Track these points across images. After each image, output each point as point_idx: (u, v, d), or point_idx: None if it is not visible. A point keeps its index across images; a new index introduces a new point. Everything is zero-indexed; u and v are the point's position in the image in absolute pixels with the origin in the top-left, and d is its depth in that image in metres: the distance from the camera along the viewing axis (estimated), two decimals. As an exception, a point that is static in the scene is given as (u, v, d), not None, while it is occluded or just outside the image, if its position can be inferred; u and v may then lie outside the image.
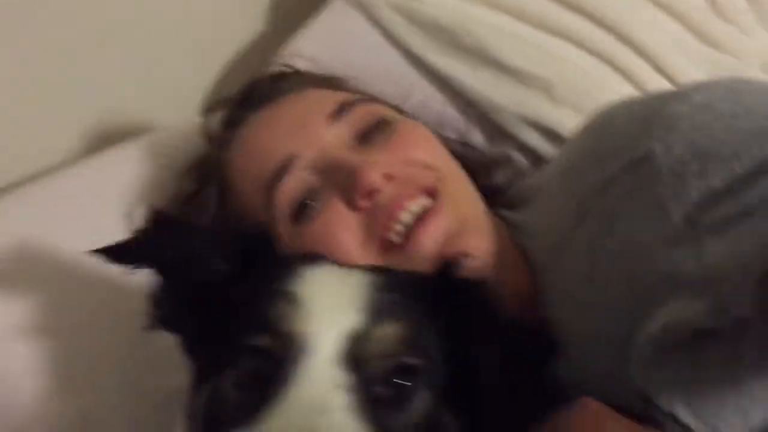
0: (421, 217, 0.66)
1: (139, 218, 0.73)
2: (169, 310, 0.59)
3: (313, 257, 0.58)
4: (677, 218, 0.55)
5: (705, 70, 0.93)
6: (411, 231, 0.66)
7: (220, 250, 0.57)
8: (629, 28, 0.92)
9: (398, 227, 0.67)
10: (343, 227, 0.68)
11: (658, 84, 0.91)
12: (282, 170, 0.70)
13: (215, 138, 0.80)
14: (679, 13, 0.95)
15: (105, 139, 0.96)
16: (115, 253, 0.58)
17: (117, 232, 0.62)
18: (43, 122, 0.89)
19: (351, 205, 0.67)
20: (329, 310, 0.50)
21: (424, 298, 0.53)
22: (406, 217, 0.67)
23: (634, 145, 0.59)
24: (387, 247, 0.67)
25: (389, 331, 0.49)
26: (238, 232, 0.64)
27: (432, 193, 0.68)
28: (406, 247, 0.66)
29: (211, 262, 0.56)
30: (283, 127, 0.73)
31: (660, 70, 0.91)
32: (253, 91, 0.80)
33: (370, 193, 0.67)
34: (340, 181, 0.68)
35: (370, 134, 0.72)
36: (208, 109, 0.84)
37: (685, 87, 0.63)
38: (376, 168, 0.67)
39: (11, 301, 0.72)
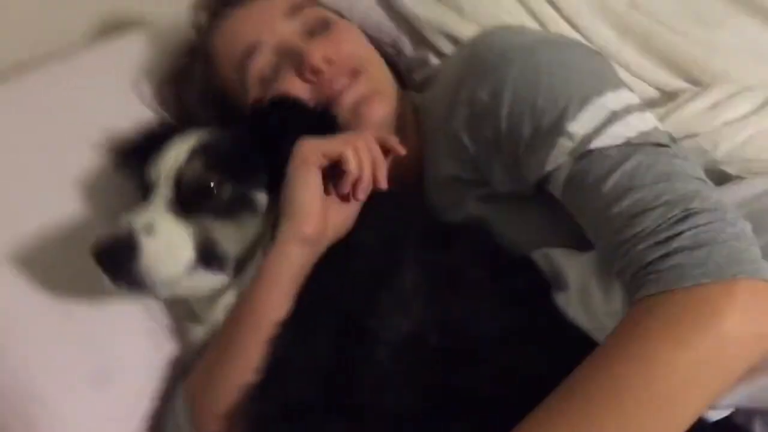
0: (348, 86, 0.94)
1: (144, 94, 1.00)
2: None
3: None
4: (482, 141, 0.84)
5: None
6: (341, 94, 0.94)
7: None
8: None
9: (334, 94, 0.94)
10: (295, 93, 0.94)
11: (541, 7, 1.15)
12: (251, 51, 0.96)
13: (202, 27, 1.05)
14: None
15: (108, 28, 1.19)
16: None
17: (128, 106, 0.95)
18: (52, 8, 1.10)
19: (302, 78, 0.94)
20: (172, 157, 0.84)
21: (247, 133, 0.87)
22: (339, 87, 0.94)
23: (480, 86, 0.83)
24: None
25: (194, 163, 0.83)
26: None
27: (357, 72, 0.95)
28: (337, 108, 0.93)
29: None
30: (252, 20, 0.98)
31: (547, -3, 1.16)
32: None
33: (315, 71, 0.93)
34: (294, 61, 0.95)
35: (315, 29, 0.98)
36: (195, 5, 1.09)
37: (522, 42, 0.85)
38: (319, 53, 0.94)
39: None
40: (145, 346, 0.88)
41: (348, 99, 0.93)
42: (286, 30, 0.97)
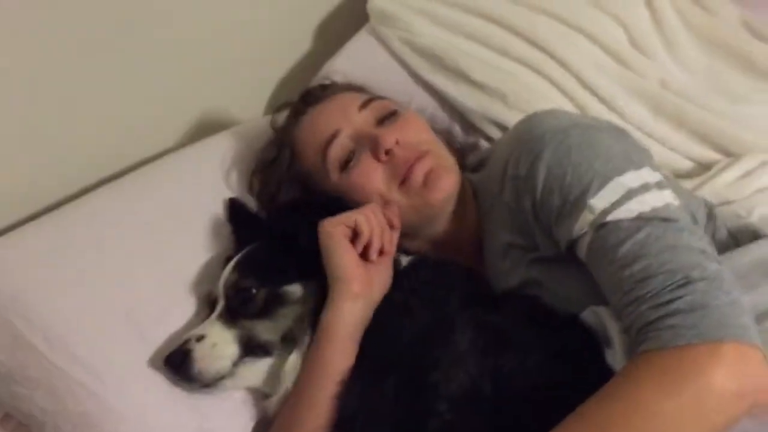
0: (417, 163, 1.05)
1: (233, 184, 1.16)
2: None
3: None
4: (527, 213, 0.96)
5: (616, 82, 1.29)
6: (411, 171, 1.04)
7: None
8: (562, 54, 1.29)
9: (405, 170, 1.05)
10: (372, 173, 1.06)
11: (579, 93, 1.28)
12: (331, 139, 1.08)
13: (286, 123, 1.19)
14: (603, 43, 1.33)
15: (197, 131, 1.34)
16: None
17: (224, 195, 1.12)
18: (150, 117, 1.24)
19: (376, 158, 1.06)
20: (225, 275, 1.00)
21: (274, 240, 1.02)
22: (409, 164, 1.05)
23: (521, 163, 0.95)
24: (400, 184, 1.05)
25: (233, 275, 1.00)
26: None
27: (424, 152, 1.06)
28: (409, 181, 1.04)
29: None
30: (330, 114, 1.12)
31: (582, 83, 1.29)
32: (309, 94, 1.20)
33: (388, 151, 1.05)
34: (369, 145, 1.06)
35: (385, 119, 1.10)
36: (276, 109, 1.25)
37: (557, 126, 0.94)
38: (391, 137, 1.05)
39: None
40: (240, 412, 1.00)
41: (419, 173, 1.04)
42: (360, 120, 1.10)
